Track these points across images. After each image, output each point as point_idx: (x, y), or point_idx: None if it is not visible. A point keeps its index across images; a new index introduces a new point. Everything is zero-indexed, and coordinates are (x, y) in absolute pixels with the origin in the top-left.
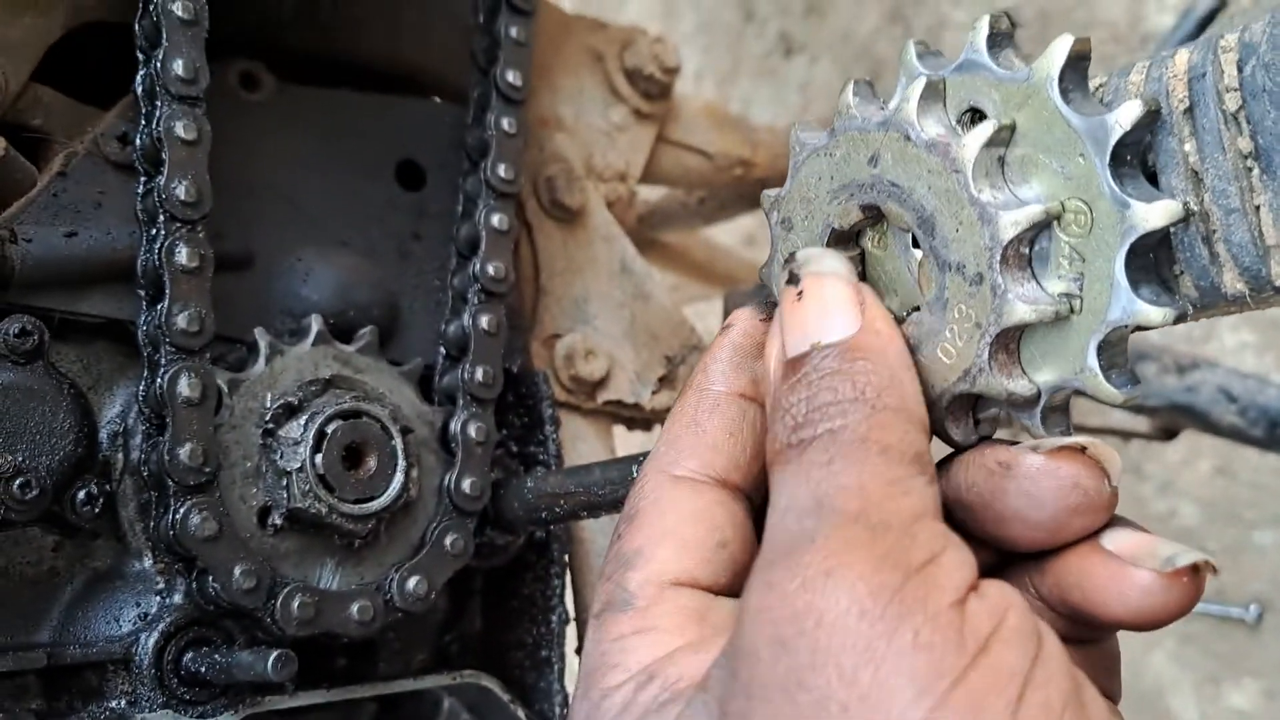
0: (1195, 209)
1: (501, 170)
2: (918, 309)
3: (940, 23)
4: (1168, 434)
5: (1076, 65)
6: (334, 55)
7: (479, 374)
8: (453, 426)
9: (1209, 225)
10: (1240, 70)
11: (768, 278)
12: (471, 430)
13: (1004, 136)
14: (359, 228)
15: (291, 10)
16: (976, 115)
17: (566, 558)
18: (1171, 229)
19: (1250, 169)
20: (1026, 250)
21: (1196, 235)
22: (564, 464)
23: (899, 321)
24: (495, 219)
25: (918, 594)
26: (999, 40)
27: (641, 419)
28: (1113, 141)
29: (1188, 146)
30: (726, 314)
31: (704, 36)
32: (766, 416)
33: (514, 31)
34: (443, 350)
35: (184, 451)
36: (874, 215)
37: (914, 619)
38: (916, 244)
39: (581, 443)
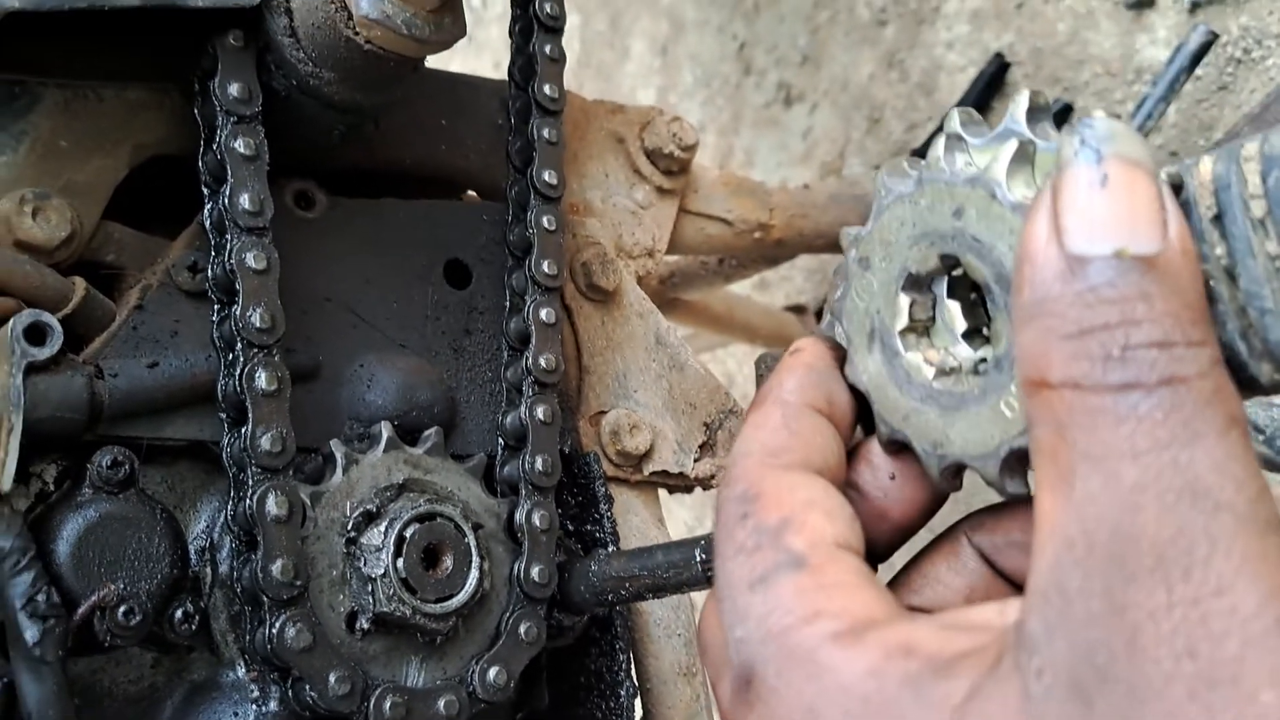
0: (1215, 289)
1: (546, 266)
2: (985, 360)
3: (935, 66)
4: None
5: None
6: (377, 166)
7: (539, 463)
8: (518, 517)
9: (1244, 321)
10: (1264, 181)
11: (839, 311)
12: (536, 519)
13: None
14: (415, 329)
15: (340, 133)
16: None
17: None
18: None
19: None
20: None
21: (1234, 332)
22: (619, 539)
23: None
24: (543, 313)
25: None
26: (1036, 114)
27: (685, 485)
28: None
29: (1219, 250)
30: (759, 379)
31: (704, 90)
32: (1020, 317)
33: (546, 133)
34: (501, 441)
35: (276, 568)
36: (952, 265)
37: None
38: (983, 301)
39: (632, 515)
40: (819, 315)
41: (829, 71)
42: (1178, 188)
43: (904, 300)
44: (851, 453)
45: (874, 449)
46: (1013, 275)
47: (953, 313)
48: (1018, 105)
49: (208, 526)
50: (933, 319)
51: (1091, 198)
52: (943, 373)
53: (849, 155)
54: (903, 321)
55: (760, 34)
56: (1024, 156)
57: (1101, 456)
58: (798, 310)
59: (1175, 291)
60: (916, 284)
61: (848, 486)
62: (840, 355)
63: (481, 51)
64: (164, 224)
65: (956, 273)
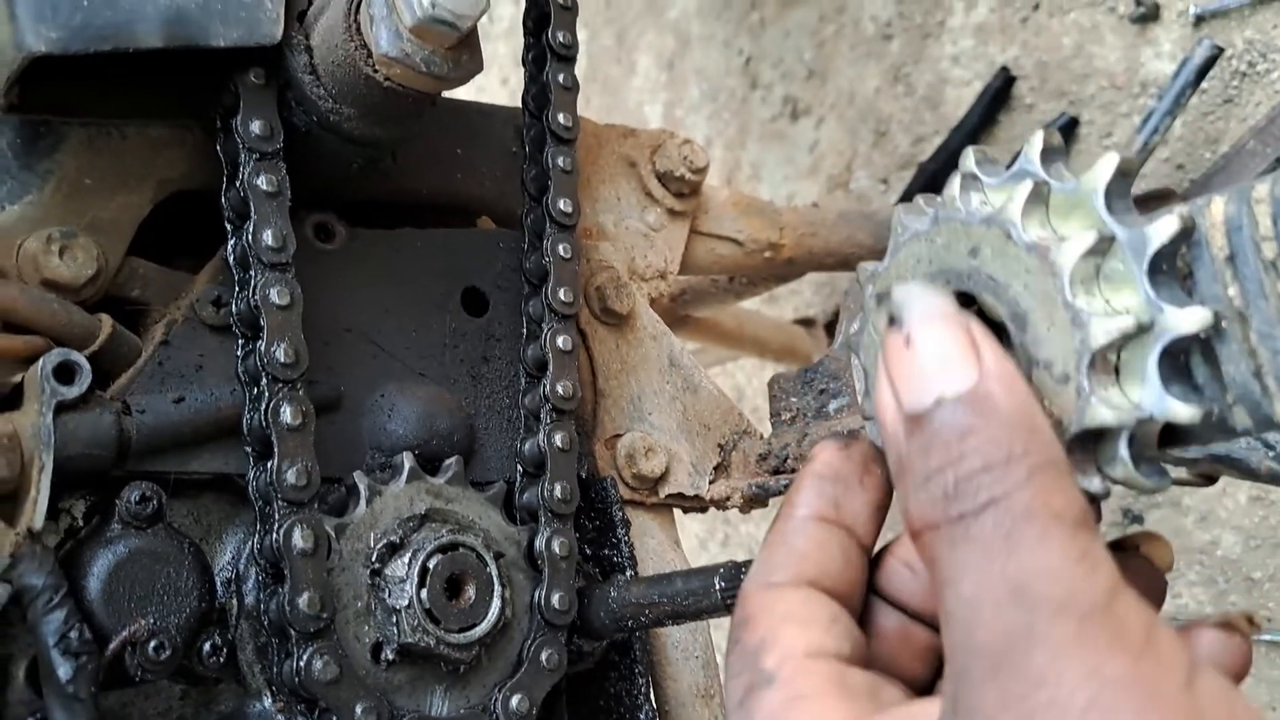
0: (1227, 329)
1: (562, 294)
2: None
3: (941, 79)
4: (1208, 480)
5: (1121, 180)
6: (394, 196)
7: (557, 490)
8: (538, 544)
9: (1257, 361)
10: (1275, 223)
11: (855, 344)
12: (555, 546)
13: (1103, 247)
14: (434, 358)
15: (359, 166)
16: None
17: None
18: (1225, 368)
19: None
20: (1114, 357)
21: (1248, 371)
22: (637, 562)
23: None
24: (560, 340)
25: (1150, 680)
26: (1051, 154)
27: (700, 507)
28: (1150, 252)
29: (1231, 291)
30: (772, 399)
31: (710, 104)
32: (894, 478)
33: (561, 161)
34: (520, 468)
35: (303, 601)
36: (966, 301)
37: (1155, 707)
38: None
39: (649, 537)
40: (828, 328)
41: (835, 85)
42: (1189, 230)
43: None
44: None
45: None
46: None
47: None
48: (1031, 146)
49: (233, 558)
50: None
51: (905, 359)
52: None
53: (856, 168)
54: None
55: (766, 49)
56: (1038, 197)
57: (951, 580)
58: (807, 323)
59: (992, 415)
60: None
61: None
62: (866, 452)
63: (489, 68)
64: (185, 255)
65: (973, 309)
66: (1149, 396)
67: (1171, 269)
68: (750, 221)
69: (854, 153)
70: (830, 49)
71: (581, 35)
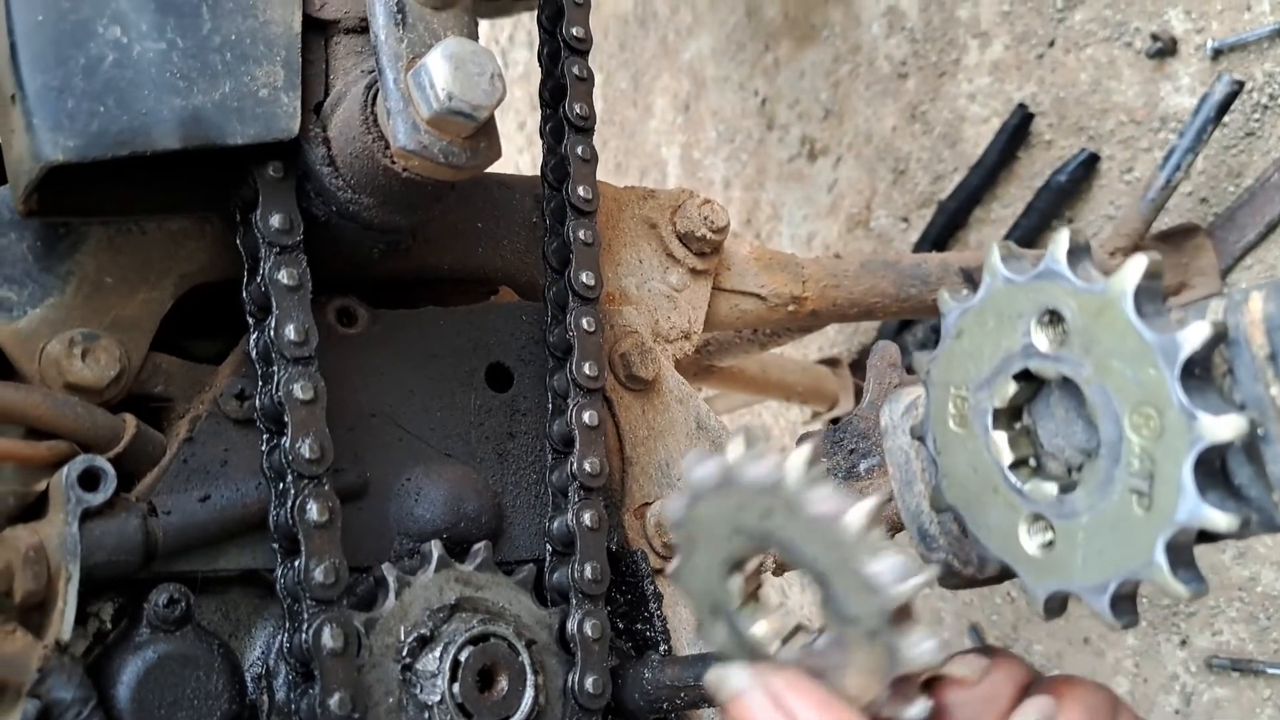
0: (1270, 429)
1: (587, 368)
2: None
3: (958, 117)
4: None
5: (1150, 282)
6: (414, 272)
7: (588, 571)
8: (569, 627)
9: None
10: None
11: (677, 576)
12: (588, 628)
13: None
14: (460, 437)
15: (380, 251)
16: (1055, 317)
17: None
18: (1270, 468)
19: None
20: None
21: None
22: (670, 636)
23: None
24: (586, 416)
25: None
26: (1077, 254)
27: None
28: (1182, 358)
29: (1275, 390)
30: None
31: (728, 145)
32: None
33: (582, 234)
34: (549, 547)
35: (334, 701)
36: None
37: None
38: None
39: (682, 607)
40: (853, 367)
41: (852, 125)
42: (1221, 335)
43: (734, 581)
44: None
45: None
46: None
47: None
48: (1058, 245)
49: (264, 652)
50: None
51: None
52: (790, 637)
53: (875, 207)
54: (737, 600)
55: (781, 89)
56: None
57: None
58: (832, 363)
59: None
60: (740, 565)
61: None
62: None
63: (505, 114)
64: (205, 338)
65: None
66: (1185, 503)
67: (1205, 372)
68: (772, 276)
69: (873, 191)
70: (846, 88)
71: (596, 78)
